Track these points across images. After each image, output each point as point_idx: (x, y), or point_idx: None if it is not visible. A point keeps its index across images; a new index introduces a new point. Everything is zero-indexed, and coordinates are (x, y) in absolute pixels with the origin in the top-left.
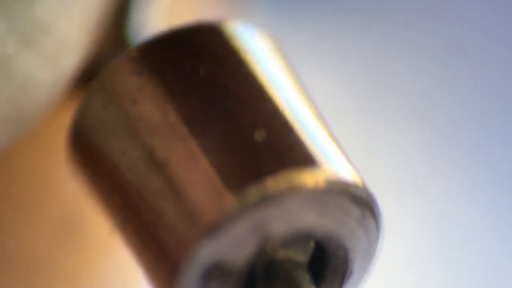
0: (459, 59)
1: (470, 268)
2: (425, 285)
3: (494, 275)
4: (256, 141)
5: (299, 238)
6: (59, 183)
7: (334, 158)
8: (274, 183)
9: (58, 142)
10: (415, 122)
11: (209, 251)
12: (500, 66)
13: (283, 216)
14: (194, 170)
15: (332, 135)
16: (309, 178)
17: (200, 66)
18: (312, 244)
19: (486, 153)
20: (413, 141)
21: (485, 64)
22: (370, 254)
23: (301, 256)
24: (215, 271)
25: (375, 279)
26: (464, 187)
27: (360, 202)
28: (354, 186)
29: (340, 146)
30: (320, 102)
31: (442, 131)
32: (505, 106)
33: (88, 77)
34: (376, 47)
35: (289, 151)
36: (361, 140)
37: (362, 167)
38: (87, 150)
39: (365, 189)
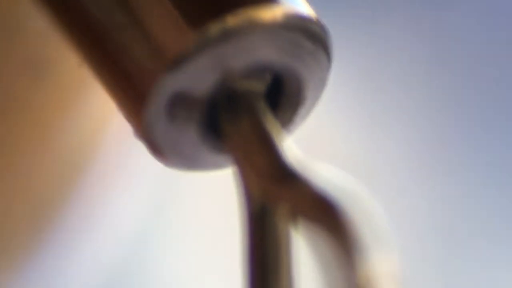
0: (459, 60)
1: (469, 262)
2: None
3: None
4: None
5: (257, 71)
6: (24, 22)
7: None
8: (233, 19)
9: None
10: (414, 122)
11: (173, 82)
12: (499, 67)
13: (242, 50)
14: (157, 9)
15: None
16: (267, 14)
17: None
18: (268, 75)
19: (482, 150)
20: (412, 141)
21: (484, 65)
22: (321, 82)
23: (259, 86)
24: (179, 100)
25: None
26: (462, 185)
27: (313, 36)
28: (309, 20)
29: None
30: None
31: (440, 131)
32: (501, 106)
33: None
34: (376, 48)
35: None
36: (362, 138)
37: (363, 165)
38: None
39: (318, 23)
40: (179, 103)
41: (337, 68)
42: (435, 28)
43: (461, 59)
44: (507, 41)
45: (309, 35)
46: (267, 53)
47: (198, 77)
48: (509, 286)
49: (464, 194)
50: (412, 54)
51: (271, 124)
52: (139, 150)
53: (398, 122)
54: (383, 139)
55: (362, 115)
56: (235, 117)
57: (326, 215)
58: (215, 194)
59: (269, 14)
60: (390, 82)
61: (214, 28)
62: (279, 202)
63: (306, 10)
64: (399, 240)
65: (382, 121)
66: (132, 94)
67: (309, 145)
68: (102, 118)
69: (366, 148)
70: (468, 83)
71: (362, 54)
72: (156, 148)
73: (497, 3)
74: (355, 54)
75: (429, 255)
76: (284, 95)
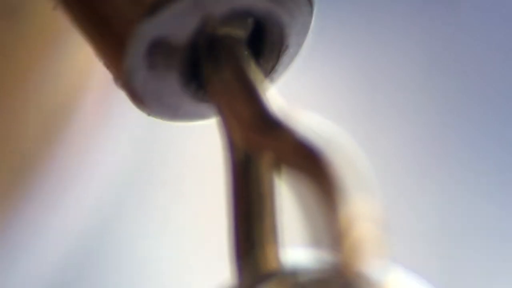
0: (460, 59)
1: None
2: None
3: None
4: None
5: (239, 17)
6: None
7: None
8: None
9: None
10: (414, 121)
11: (152, 29)
12: (498, 66)
13: None
14: None
15: None
16: None
17: None
18: (250, 22)
19: (482, 149)
20: (411, 140)
21: (484, 63)
22: (304, 29)
23: (241, 33)
24: (159, 47)
25: None
26: (461, 184)
27: None
28: None
29: None
30: (322, 102)
31: (440, 130)
32: (501, 105)
33: None
34: (376, 48)
35: None
36: (361, 138)
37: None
38: None
39: None
40: (159, 51)
41: (337, 68)
42: (436, 26)
43: (462, 58)
44: (506, 41)
45: None
46: None
47: (178, 24)
48: (508, 285)
49: (463, 191)
50: (412, 53)
51: (254, 72)
52: (122, 99)
53: (398, 121)
54: (383, 139)
55: (361, 115)
56: (217, 65)
57: (309, 163)
58: (199, 146)
59: None
60: (390, 81)
61: None
62: (263, 151)
63: None
64: (396, 238)
65: (381, 121)
66: (110, 41)
67: None
68: (83, 65)
69: (365, 147)
70: (468, 81)
71: (362, 54)
72: (137, 97)
73: (498, 3)
74: (355, 54)
75: (429, 254)
76: (266, 43)
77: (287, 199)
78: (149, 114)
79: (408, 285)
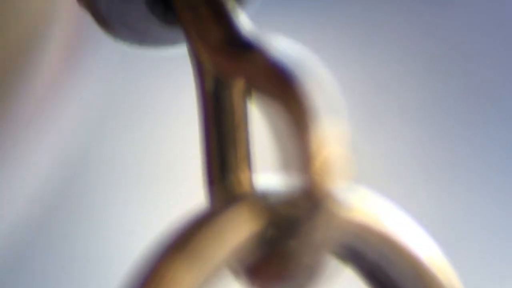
0: (461, 60)
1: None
2: None
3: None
4: None
5: None
6: None
7: None
8: None
9: None
10: (415, 122)
11: None
12: (500, 67)
13: None
14: None
15: None
16: None
17: None
18: None
19: (483, 149)
20: (412, 141)
21: (485, 64)
22: None
23: None
24: None
25: None
26: (463, 184)
27: None
28: None
29: None
30: None
31: (440, 130)
32: (502, 105)
33: None
34: (377, 47)
35: None
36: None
37: (363, 165)
38: None
39: None
40: None
41: (336, 67)
42: (436, 26)
43: (463, 59)
44: (506, 41)
45: None
46: None
47: None
48: (509, 285)
49: (464, 191)
50: (413, 53)
51: None
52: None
53: (399, 122)
54: (383, 138)
55: (362, 115)
56: None
57: (280, 86)
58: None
59: None
60: (391, 82)
61: None
62: (233, 76)
63: None
64: None
65: (382, 121)
66: None
67: None
68: None
69: (366, 149)
70: (469, 80)
71: (363, 54)
72: (102, 19)
73: (498, 2)
74: (356, 54)
75: None
76: None
77: (259, 125)
78: (115, 39)
79: (376, 204)
